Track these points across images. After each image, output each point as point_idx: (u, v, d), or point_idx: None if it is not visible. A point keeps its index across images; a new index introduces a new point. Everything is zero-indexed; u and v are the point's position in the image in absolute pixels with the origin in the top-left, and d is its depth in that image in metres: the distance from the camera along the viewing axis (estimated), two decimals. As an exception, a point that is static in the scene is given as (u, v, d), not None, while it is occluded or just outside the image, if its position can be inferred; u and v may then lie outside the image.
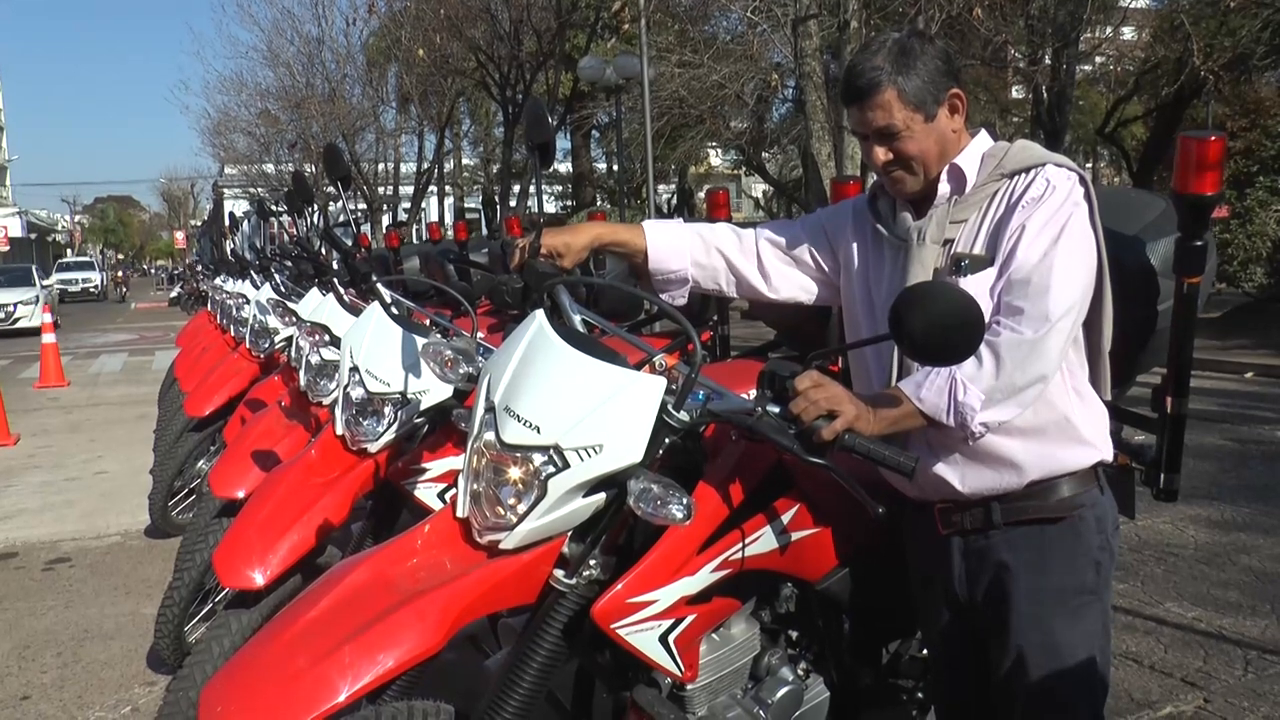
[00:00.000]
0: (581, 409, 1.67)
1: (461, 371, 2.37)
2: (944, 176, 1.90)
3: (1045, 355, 1.73)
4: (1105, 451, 1.94)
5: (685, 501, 1.60)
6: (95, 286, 38.36)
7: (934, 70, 1.84)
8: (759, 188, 38.49)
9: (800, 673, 2.12)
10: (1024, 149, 1.89)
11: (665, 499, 1.61)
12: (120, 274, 39.97)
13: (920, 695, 2.42)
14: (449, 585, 1.69)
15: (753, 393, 1.86)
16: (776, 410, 1.71)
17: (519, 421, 1.70)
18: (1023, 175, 1.85)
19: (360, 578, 1.74)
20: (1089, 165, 36.90)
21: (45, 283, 25.76)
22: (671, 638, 1.79)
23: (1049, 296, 1.74)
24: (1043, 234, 1.77)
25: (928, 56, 1.84)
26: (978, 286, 1.79)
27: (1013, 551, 1.90)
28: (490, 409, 1.77)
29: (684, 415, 1.69)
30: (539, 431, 1.68)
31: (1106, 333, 1.91)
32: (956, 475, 1.89)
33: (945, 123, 1.88)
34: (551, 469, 1.68)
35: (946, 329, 1.52)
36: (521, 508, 1.71)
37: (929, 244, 1.89)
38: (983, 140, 1.93)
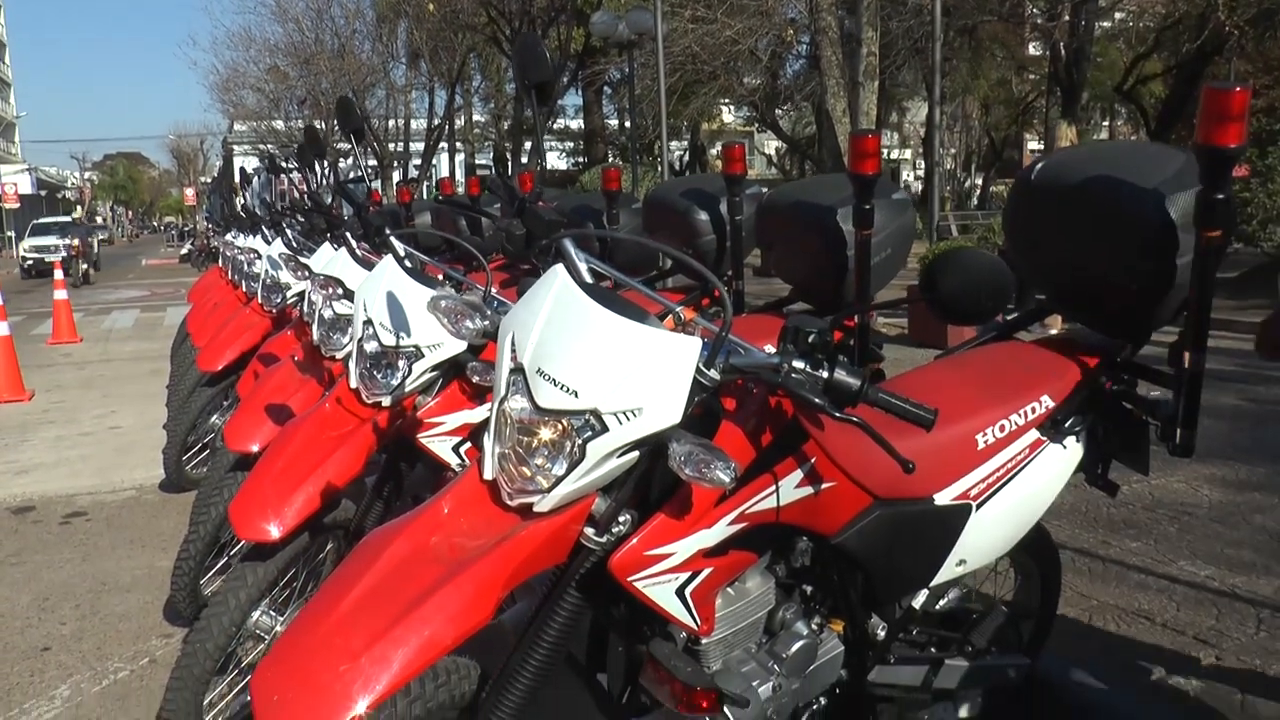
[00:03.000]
0: (620, 372, 1.65)
1: (470, 326, 2.33)
2: None
3: None
4: None
5: (731, 465, 1.58)
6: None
7: None
8: (771, 144, 38.21)
9: (815, 626, 2.12)
10: None
11: (710, 461, 1.59)
12: (78, 243, 25.72)
13: (933, 649, 2.43)
14: (491, 554, 1.68)
15: (769, 347, 1.85)
16: (802, 365, 1.70)
17: (555, 385, 1.67)
18: None
19: (400, 550, 1.72)
20: (1106, 123, 36.47)
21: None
22: (688, 591, 1.79)
23: None
24: None
25: None
26: None
27: None
28: (517, 370, 1.75)
29: (715, 373, 1.68)
30: (577, 396, 1.66)
31: None
32: None
33: None
34: (590, 433, 1.66)
35: (979, 290, 1.54)
36: (556, 470, 1.69)
37: None
38: None
